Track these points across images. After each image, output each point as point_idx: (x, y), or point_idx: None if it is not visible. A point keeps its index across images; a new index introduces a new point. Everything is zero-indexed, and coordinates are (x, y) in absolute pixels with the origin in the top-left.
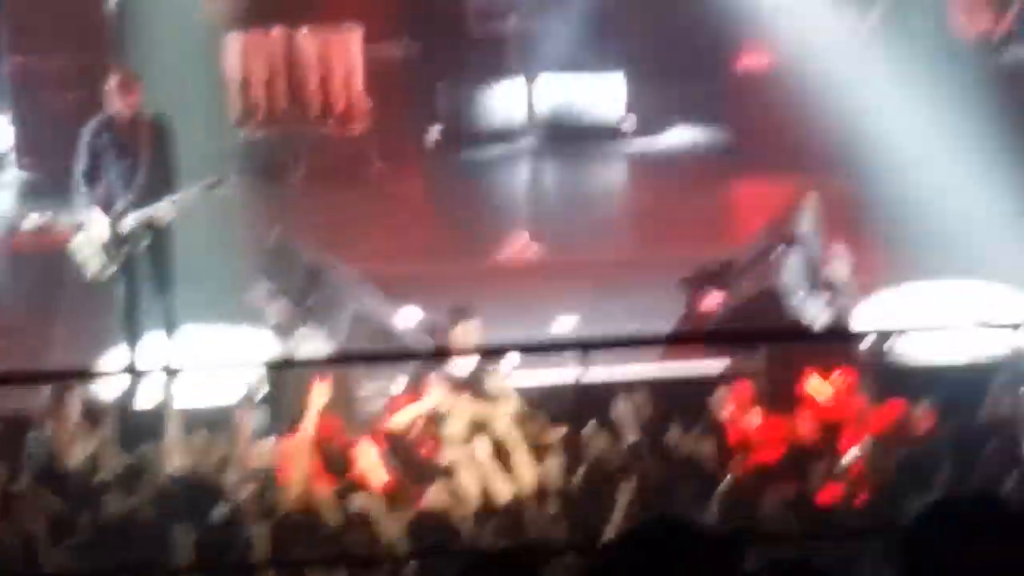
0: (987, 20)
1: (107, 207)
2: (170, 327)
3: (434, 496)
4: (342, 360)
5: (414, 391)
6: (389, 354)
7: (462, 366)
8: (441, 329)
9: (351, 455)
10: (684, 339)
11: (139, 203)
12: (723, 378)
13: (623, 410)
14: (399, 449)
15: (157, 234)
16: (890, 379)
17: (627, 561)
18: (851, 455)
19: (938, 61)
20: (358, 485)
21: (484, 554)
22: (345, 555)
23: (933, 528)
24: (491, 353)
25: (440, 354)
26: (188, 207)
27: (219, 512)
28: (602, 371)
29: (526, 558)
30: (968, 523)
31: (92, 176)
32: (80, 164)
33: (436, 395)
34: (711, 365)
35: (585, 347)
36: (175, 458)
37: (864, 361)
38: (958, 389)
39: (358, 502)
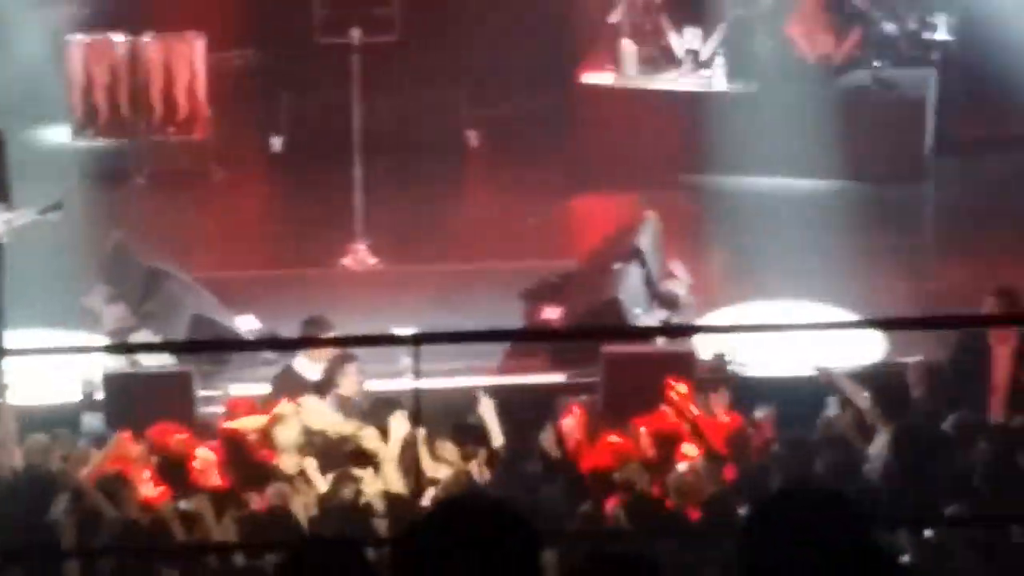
0: (827, 44)
1: None
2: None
3: (271, 497)
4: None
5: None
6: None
7: (308, 369)
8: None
9: (187, 460)
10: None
11: None
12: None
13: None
14: (235, 452)
15: None
16: (731, 392)
17: (428, 544)
18: (685, 466)
19: (780, 82)
20: (193, 488)
21: (309, 541)
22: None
23: (768, 521)
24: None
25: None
26: (21, 229)
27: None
28: (445, 381)
29: (348, 545)
30: (801, 515)
31: None
32: None
33: (277, 401)
34: (552, 378)
35: (418, 341)
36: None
37: (702, 375)
38: (794, 400)
39: (192, 503)
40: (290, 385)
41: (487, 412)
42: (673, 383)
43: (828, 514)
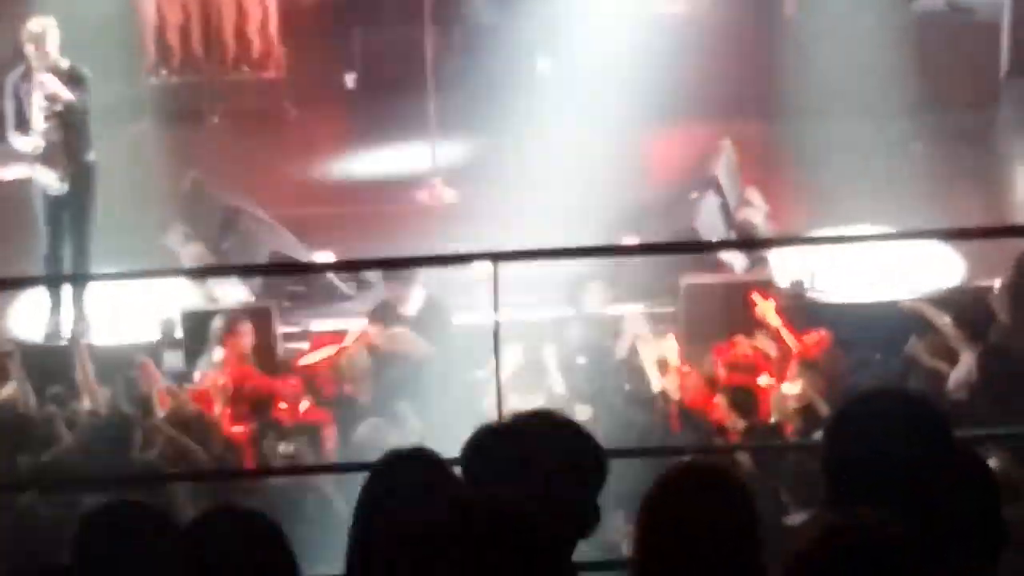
0: None
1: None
2: (85, 268)
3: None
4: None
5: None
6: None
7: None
8: None
9: (269, 396)
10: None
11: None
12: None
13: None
14: (313, 385)
15: (78, 177)
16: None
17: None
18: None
19: (853, 8)
20: (277, 425)
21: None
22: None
23: (853, 418)
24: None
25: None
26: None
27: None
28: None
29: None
30: (883, 415)
31: (19, 123)
32: (8, 113)
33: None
34: (630, 308)
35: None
36: (91, 397)
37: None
38: (876, 327)
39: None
40: (386, 317)
41: (550, 360)
42: (758, 299)
43: (913, 412)
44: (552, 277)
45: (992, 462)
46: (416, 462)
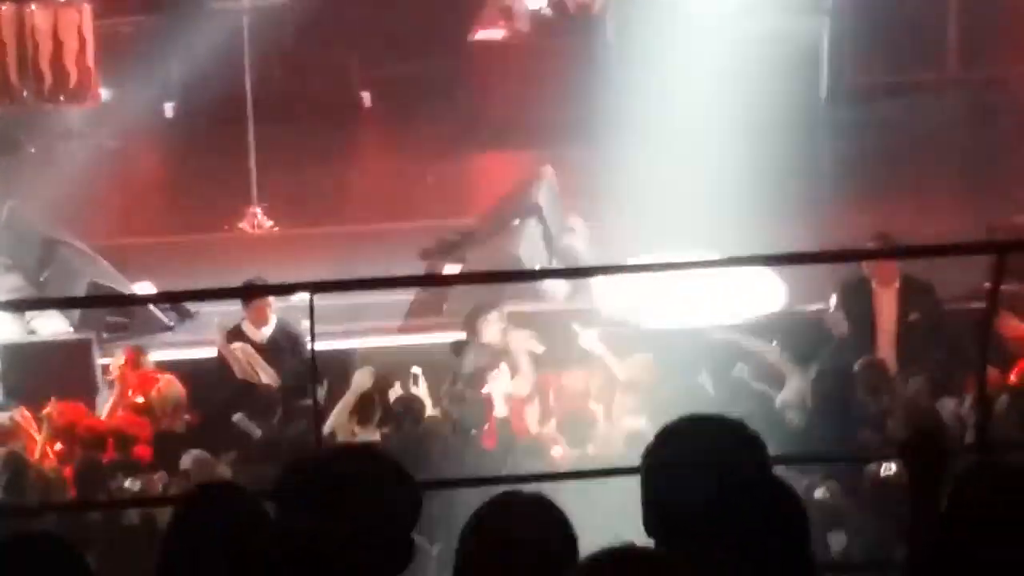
0: None
1: None
2: None
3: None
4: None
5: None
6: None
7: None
8: None
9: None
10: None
11: None
12: None
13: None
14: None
15: None
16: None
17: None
18: None
19: (673, 34)
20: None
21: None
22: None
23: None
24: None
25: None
26: None
27: None
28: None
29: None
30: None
31: None
32: None
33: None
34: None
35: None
36: None
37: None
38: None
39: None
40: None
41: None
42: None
43: (728, 440)
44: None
45: (819, 491)
46: (223, 496)
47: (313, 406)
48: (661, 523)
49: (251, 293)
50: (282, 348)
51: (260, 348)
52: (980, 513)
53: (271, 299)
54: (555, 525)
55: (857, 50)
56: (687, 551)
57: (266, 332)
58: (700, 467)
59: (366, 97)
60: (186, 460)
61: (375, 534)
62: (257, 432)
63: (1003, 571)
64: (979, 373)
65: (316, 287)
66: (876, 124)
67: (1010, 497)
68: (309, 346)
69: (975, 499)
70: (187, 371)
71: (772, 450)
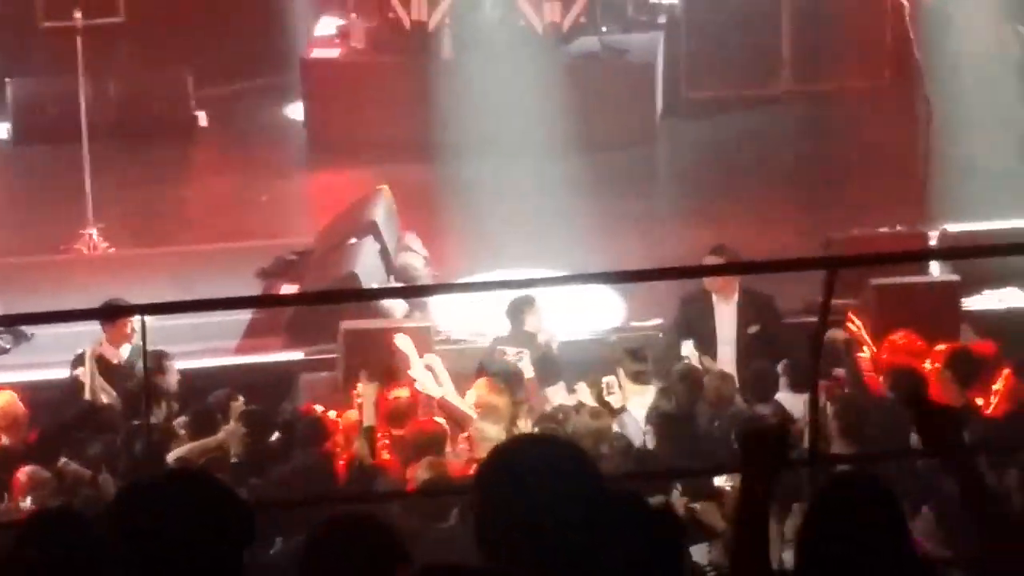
0: (554, 12)
1: None
2: None
3: None
4: None
5: None
6: None
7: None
8: None
9: None
10: None
11: None
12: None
13: None
14: None
15: None
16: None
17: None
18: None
19: (507, 51)
20: None
21: None
22: None
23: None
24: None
25: None
26: None
27: None
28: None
29: None
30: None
31: None
32: None
33: None
34: (290, 356)
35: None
36: None
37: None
38: None
39: None
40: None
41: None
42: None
43: (560, 460)
44: None
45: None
46: (56, 522)
47: (147, 427)
48: (492, 538)
49: (76, 316)
50: (139, 369)
51: (117, 368)
52: (843, 526)
53: (131, 320)
54: (383, 543)
55: (693, 65)
56: (519, 566)
57: (123, 352)
58: (530, 483)
59: (202, 116)
60: (22, 476)
61: (203, 556)
62: None
63: None
64: (812, 385)
65: (145, 309)
66: (712, 139)
67: (873, 508)
68: (150, 366)
69: (839, 510)
70: (25, 393)
71: (615, 469)
